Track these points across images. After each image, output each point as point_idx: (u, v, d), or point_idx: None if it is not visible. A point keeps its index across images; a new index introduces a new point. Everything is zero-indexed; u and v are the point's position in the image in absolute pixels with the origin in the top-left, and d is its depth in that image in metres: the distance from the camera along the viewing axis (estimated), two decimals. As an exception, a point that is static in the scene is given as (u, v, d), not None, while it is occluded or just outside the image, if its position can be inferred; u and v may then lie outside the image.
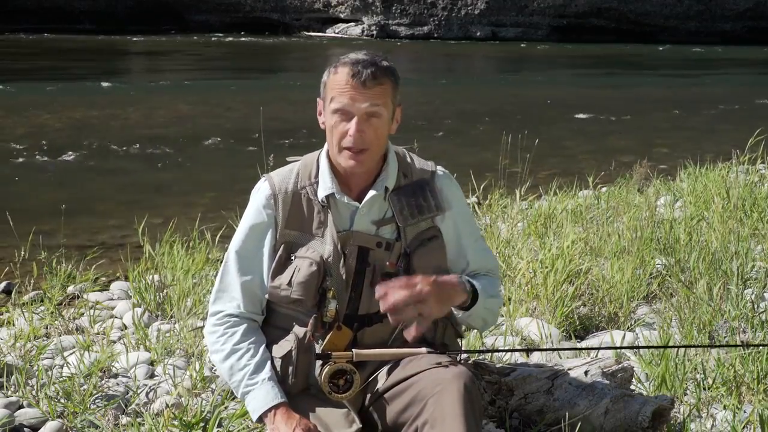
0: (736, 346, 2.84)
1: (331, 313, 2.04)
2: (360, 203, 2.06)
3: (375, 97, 1.97)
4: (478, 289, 2.05)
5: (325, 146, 2.12)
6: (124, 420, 2.49)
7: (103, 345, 3.11)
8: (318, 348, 2.05)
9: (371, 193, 2.06)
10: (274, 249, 2.09)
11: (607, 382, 2.39)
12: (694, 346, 2.71)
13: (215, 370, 2.85)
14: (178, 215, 5.39)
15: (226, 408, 2.46)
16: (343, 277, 2.05)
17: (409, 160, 2.15)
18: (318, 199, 2.08)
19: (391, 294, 1.85)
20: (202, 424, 2.36)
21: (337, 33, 49.47)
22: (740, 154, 6.48)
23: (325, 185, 2.07)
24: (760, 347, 2.79)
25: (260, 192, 2.13)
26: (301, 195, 2.09)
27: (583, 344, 3.25)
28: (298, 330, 2.07)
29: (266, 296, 2.11)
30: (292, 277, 2.04)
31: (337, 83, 1.98)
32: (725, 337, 3.11)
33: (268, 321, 2.16)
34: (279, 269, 2.08)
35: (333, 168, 2.09)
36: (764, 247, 4.44)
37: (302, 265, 2.04)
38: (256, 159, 4.80)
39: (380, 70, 1.98)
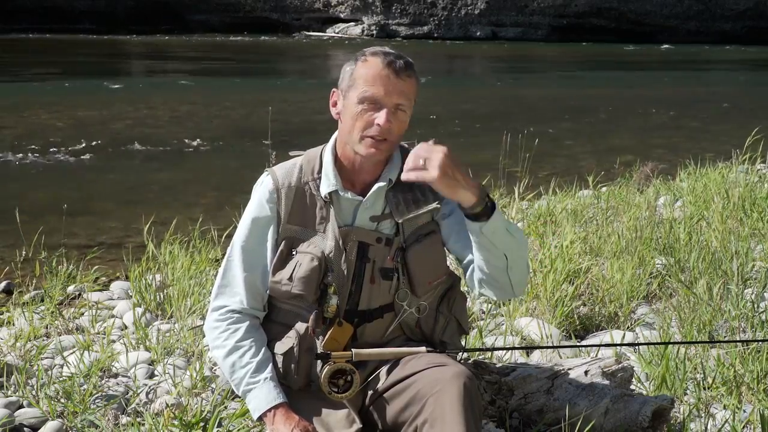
0: (735, 341, 2.85)
1: (332, 309, 2.03)
2: (363, 197, 2.06)
3: (405, 90, 1.98)
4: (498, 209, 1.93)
5: (330, 141, 2.11)
6: (124, 420, 2.49)
7: (103, 345, 3.11)
8: (319, 344, 2.05)
9: (377, 185, 2.05)
10: (276, 243, 2.09)
11: (607, 382, 2.39)
12: (693, 343, 2.71)
13: (215, 369, 2.86)
14: (178, 215, 5.38)
15: (225, 408, 2.46)
16: (344, 273, 2.05)
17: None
18: (321, 194, 2.07)
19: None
20: (202, 424, 2.36)
21: (337, 33, 49.51)
22: (740, 154, 6.48)
23: (329, 181, 2.06)
24: (760, 343, 2.79)
25: (263, 186, 2.12)
26: (304, 190, 2.09)
27: (583, 343, 3.24)
28: (300, 326, 2.07)
29: (268, 291, 2.11)
30: (293, 272, 2.04)
31: (367, 73, 1.97)
32: (725, 336, 3.11)
33: (268, 316, 2.15)
34: (280, 264, 2.07)
35: (337, 163, 2.08)
36: (764, 247, 4.44)
37: (303, 261, 2.04)
38: (255, 158, 4.81)
39: (409, 63, 2.00)
